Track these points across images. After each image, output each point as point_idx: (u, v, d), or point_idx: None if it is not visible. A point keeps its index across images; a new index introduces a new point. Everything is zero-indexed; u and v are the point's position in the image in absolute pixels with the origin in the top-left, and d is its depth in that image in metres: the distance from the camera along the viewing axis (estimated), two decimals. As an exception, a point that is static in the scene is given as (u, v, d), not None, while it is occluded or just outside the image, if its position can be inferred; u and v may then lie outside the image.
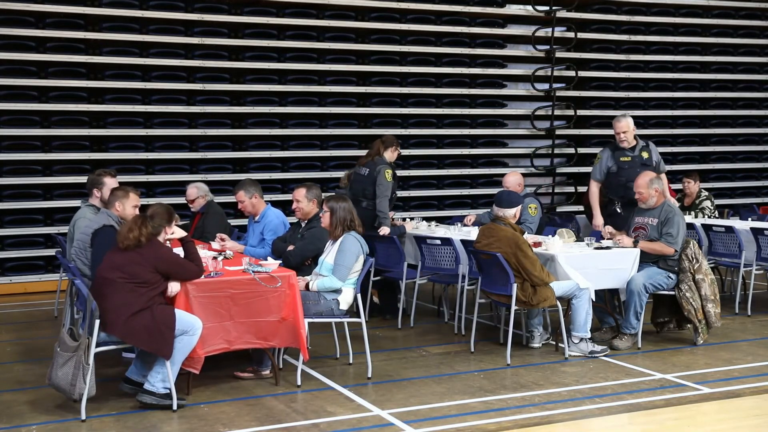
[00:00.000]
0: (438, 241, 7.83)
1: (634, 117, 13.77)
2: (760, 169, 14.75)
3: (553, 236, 7.37)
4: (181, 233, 5.92)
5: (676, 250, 7.08)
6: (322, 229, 6.64)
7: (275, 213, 7.61)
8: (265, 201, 7.78)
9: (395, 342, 7.61)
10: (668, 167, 13.51)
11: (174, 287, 5.58)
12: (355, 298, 6.31)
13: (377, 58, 12.24)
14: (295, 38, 11.73)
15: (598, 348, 6.88)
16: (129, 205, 6.50)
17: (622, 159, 8.20)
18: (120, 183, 10.67)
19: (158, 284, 5.49)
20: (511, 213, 6.87)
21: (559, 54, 13.14)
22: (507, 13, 13.08)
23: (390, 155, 8.48)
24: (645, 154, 8.20)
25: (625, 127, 8.22)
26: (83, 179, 7.72)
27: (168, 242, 5.85)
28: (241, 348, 5.88)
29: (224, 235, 7.62)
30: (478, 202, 12.78)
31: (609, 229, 7.48)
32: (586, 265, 6.92)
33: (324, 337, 7.11)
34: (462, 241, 7.69)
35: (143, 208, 6.62)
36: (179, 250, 6.12)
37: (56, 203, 10.41)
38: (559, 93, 13.25)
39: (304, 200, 7.18)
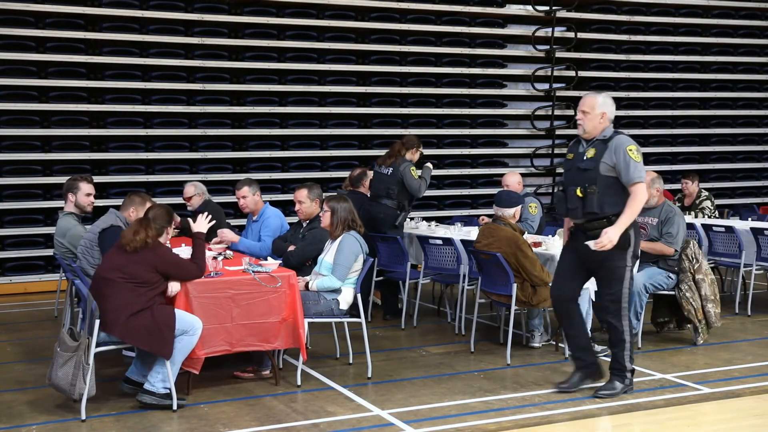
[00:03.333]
0: (440, 241, 7.83)
1: (633, 117, 14.02)
2: (760, 169, 14.76)
3: (553, 236, 7.37)
4: (201, 228, 5.88)
5: (676, 250, 7.08)
6: (323, 229, 6.63)
7: (274, 212, 7.59)
8: (264, 201, 7.78)
9: (395, 342, 7.61)
10: (668, 167, 13.68)
11: (174, 287, 5.58)
12: (355, 298, 6.31)
13: (377, 58, 12.24)
14: (295, 38, 11.73)
15: (598, 348, 6.87)
16: (142, 213, 6.58)
17: (568, 156, 5.88)
18: (120, 183, 10.72)
19: (158, 284, 5.49)
20: (510, 213, 6.87)
21: (559, 54, 13.15)
22: (507, 13, 13.09)
23: (411, 156, 8.51)
24: (591, 152, 5.59)
25: (588, 105, 5.65)
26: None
27: (167, 242, 5.86)
28: (242, 350, 5.88)
29: (222, 230, 7.55)
30: (478, 202, 12.78)
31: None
32: (586, 265, 6.90)
33: (324, 337, 7.11)
34: (462, 241, 7.69)
35: None
36: (180, 250, 6.13)
37: (56, 203, 10.39)
38: (559, 93, 13.25)
39: (306, 201, 7.17)
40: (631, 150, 5.49)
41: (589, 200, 5.51)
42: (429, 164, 8.65)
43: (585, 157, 5.61)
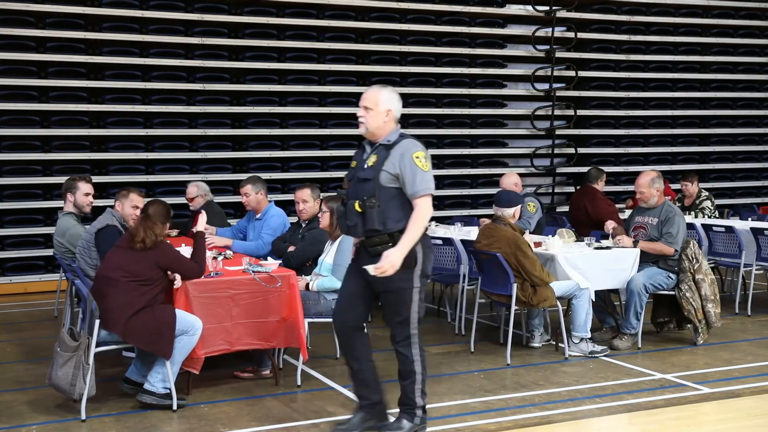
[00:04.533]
0: (440, 241, 7.83)
1: (633, 117, 14.06)
2: (760, 169, 14.77)
3: (553, 236, 7.38)
4: (201, 227, 5.88)
5: (676, 250, 7.08)
6: (322, 229, 6.63)
7: (277, 212, 7.61)
8: (269, 200, 7.80)
9: (395, 342, 7.60)
10: (668, 167, 13.68)
11: (179, 279, 5.59)
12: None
13: (377, 58, 12.24)
14: (295, 38, 11.74)
15: (598, 348, 6.88)
16: (127, 205, 6.63)
17: (351, 165, 5.06)
18: (120, 183, 10.73)
19: (160, 282, 5.49)
20: (510, 212, 6.86)
21: (559, 54, 13.15)
22: (507, 13, 13.09)
23: None
24: (372, 159, 4.81)
25: (371, 100, 4.89)
26: (83, 179, 7.75)
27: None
28: (241, 349, 5.88)
29: (211, 237, 7.55)
30: (478, 202, 12.78)
31: (612, 224, 7.47)
32: (586, 265, 6.92)
33: (324, 337, 7.11)
34: (462, 241, 7.70)
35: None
36: (180, 250, 6.12)
37: (56, 203, 10.39)
38: (559, 93, 13.25)
39: (311, 200, 7.18)
40: (418, 157, 4.72)
41: (369, 215, 4.70)
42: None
43: (365, 165, 4.81)
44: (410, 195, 4.70)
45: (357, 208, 4.73)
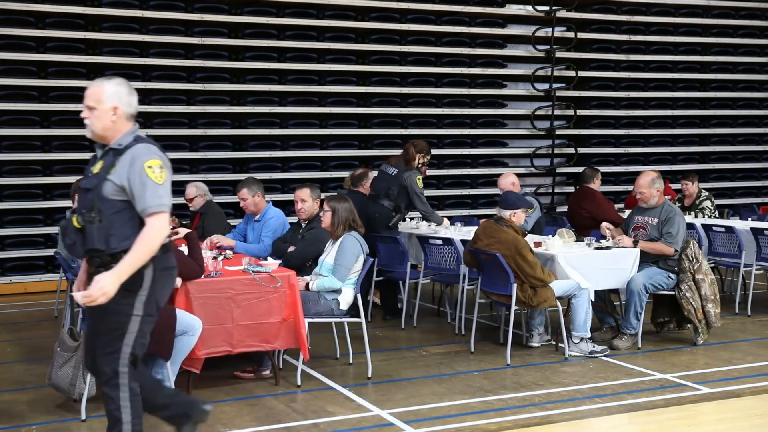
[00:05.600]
0: (440, 241, 7.83)
1: (633, 117, 14.06)
2: (760, 169, 14.76)
3: (553, 236, 7.37)
4: (185, 231, 5.91)
5: (676, 250, 7.08)
6: (322, 229, 6.63)
7: (276, 212, 7.60)
8: (267, 201, 7.79)
9: (395, 342, 7.61)
10: (668, 167, 13.69)
11: (177, 280, 5.57)
12: (355, 298, 6.31)
13: (377, 58, 12.24)
14: (295, 38, 11.73)
15: (598, 348, 6.88)
16: None
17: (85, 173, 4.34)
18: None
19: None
20: (507, 215, 6.84)
21: (559, 54, 13.14)
22: (507, 13, 13.09)
23: (417, 161, 8.48)
24: (98, 166, 4.12)
25: (93, 98, 4.10)
26: (83, 179, 7.74)
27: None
28: (243, 351, 5.88)
29: (215, 237, 7.52)
30: (478, 202, 12.79)
31: (608, 225, 7.47)
32: (586, 265, 6.92)
33: (324, 337, 7.11)
34: (462, 241, 7.69)
35: None
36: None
37: (56, 203, 10.41)
38: (559, 93, 13.25)
39: (309, 200, 7.18)
40: (151, 167, 4.08)
41: (88, 232, 3.98)
42: (447, 223, 8.54)
43: (90, 173, 4.10)
44: (140, 211, 4.01)
45: (75, 223, 4.01)
